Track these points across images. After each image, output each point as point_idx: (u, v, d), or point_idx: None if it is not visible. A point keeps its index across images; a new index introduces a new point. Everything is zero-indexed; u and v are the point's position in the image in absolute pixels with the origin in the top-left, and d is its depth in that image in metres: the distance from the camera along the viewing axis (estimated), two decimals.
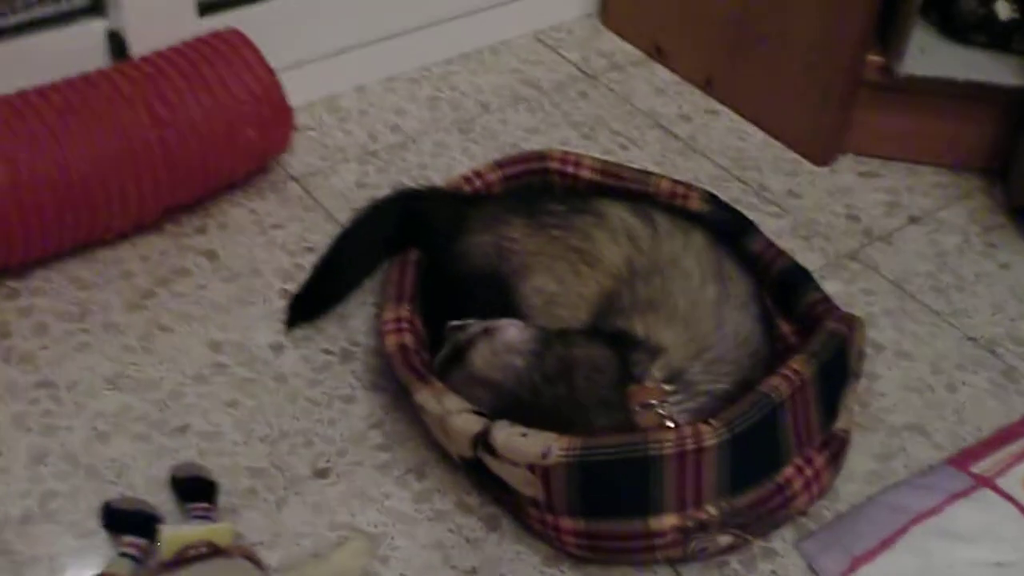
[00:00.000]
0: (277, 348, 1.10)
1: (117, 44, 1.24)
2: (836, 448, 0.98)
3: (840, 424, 0.98)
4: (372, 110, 1.42)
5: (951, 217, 1.34)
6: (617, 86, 1.52)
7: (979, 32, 1.36)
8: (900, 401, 1.10)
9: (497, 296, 1.03)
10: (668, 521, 0.88)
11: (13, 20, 1.18)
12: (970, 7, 1.35)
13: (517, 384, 0.94)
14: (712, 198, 1.15)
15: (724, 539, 0.91)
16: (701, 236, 1.05)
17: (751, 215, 1.17)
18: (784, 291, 1.08)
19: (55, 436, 0.99)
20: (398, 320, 1.01)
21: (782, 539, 0.96)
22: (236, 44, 1.21)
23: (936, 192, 1.38)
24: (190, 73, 1.16)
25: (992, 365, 1.15)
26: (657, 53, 1.56)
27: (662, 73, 1.55)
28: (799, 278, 1.09)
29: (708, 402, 0.94)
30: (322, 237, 1.20)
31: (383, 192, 1.23)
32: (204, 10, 1.29)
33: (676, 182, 1.16)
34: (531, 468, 0.88)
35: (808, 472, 0.94)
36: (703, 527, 0.89)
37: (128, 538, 0.87)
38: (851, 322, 1.01)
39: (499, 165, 1.20)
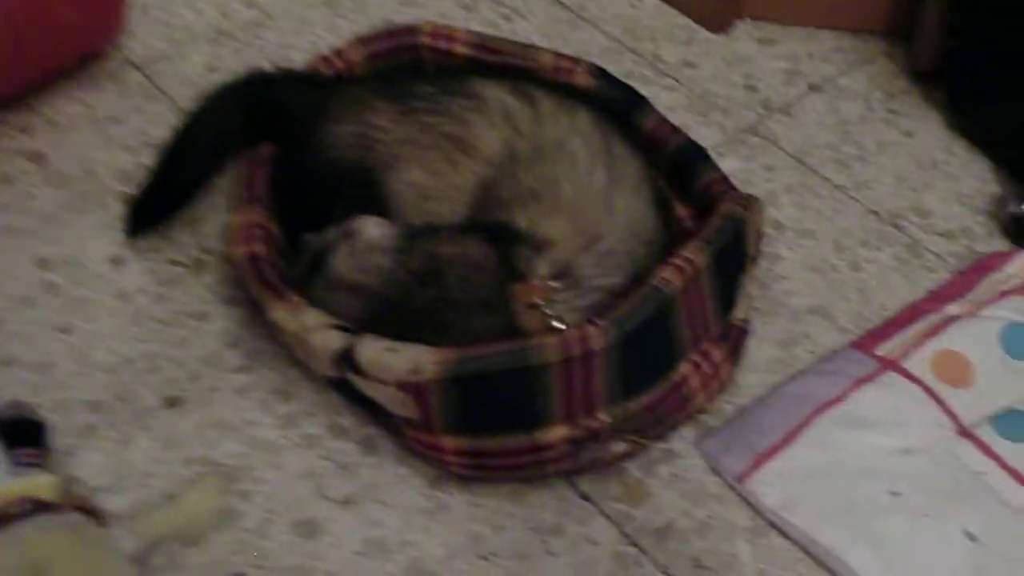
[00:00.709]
0: (117, 261, 1.02)
1: None
2: (735, 339, 0.95)
3: (739, 313, 0.95)
4: None
5: (852, 84, 1.33)
6: None
7: None
8: (803, 283, 1.09)
9: (363, 192, 0.97)
10: (557, 433, 0.84)
11: None
12: None
13: (385, 285, 0.89)
14: (600, 72, 1.11)
15: (619, 447, 0.87)
16: (587, 115, 1.00)
17: (644, 89, 1.13)
18: (679, 171, 1.04)
19: None
20: (248, 226, 0.94)
21: (682, 439, 0.93)
22: None
23: (837, 57, 1.37)
24: None
25: (896, 240, 1.14)
26: None
27: None
28: (694, 156, 1.05)
29: (600, 298, 0.90)
30: (167, 131, 1.09)
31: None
32: None
33: (560, 56, 1.11)
34: (402, 386, 0.82)
35: (706, 367, 0.90)
36: (595, 436, 0.84)
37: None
38: (748, 203, 0.97)
39: (363, 42, 1.13)
